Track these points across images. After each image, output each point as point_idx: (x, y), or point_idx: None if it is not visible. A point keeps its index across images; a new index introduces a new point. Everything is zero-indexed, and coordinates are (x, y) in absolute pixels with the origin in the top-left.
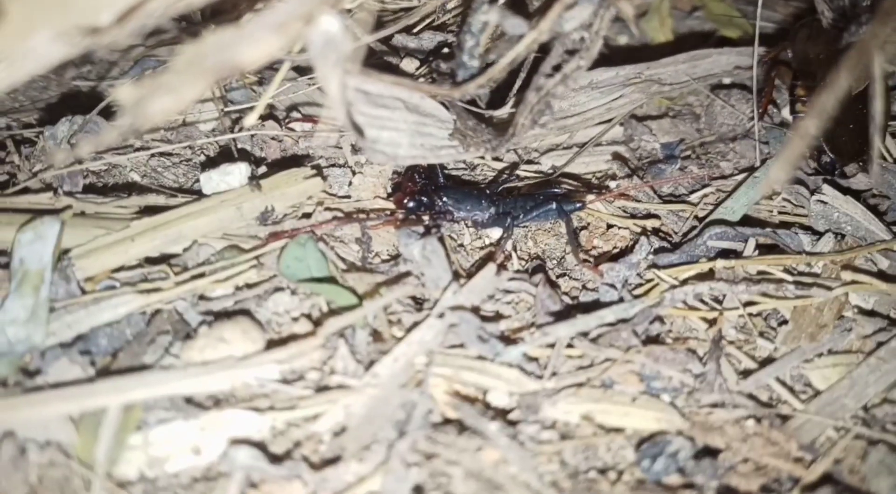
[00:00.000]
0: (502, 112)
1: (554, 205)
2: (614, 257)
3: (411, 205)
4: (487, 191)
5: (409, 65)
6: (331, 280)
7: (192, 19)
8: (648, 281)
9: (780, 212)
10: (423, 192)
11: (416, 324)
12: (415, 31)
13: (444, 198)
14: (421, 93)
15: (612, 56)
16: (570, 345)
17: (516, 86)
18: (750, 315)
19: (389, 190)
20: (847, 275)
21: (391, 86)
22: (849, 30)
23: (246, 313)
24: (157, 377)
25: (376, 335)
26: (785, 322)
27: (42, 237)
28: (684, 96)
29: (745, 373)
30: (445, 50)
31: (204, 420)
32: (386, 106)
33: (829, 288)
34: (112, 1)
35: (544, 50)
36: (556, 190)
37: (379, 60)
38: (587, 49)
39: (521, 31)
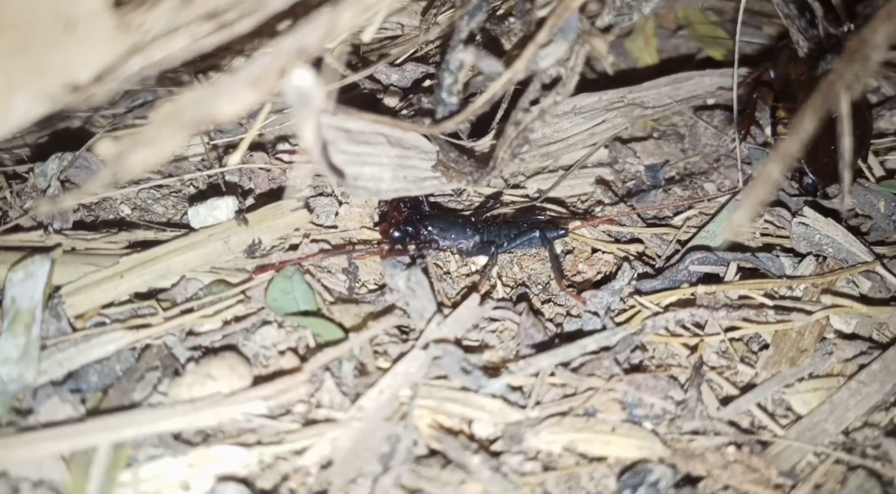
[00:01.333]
0: (483, 143)
1: (537, 233)
2: (598, 283)
3: (396, 234)
4: (472, 219)
5: (391, 99)
6: (317, 313)
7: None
8: (631, 307)
9: (762, 234)
10: (408, 222)
11: (401, 356)
12: (397, 62)
13: (429, 228)
14: (401, 129)
15: (596, 78)
16: (552, 374)
17: (498, 117)
18: (731, 340)
19: (376, 219)
20: (828, 299)
21: (372, 123)
22: (824, 58)
23: (233, 348)
24: (146, 415)
25: (362, 367)
26: (766, 346)
27: (33, 275)
28: (669, 117)
29: (727, 400)
30: (427, 82)
31: (192, 457)
32: (367, 142)
33: (810, 313)
34: (89, 61)
35: (525, 82)
36: (540, 216)
37: (362, 92)
38: (563, 85)
39: (495, 71)
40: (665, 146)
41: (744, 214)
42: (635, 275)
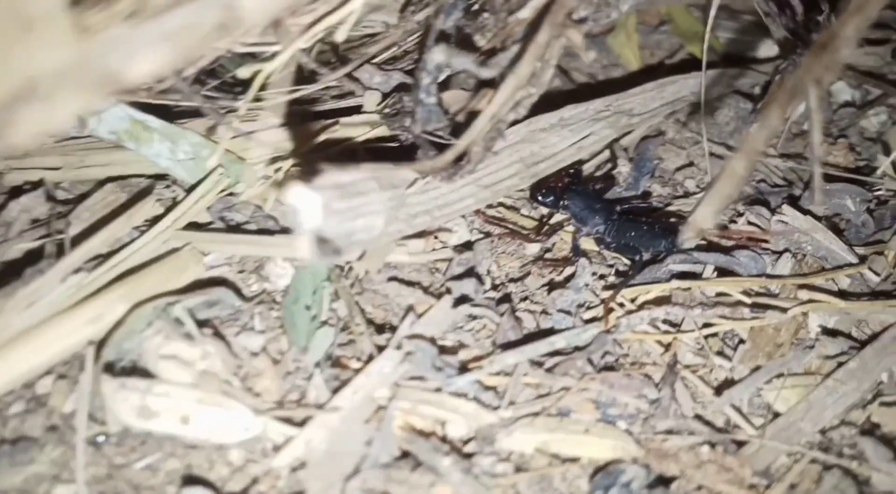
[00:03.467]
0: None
1: (663, 243)
2: (561, 283)
3: (539, 198)
4: (616, 209)
5: (371, 99)
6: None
7: None
8: (602, 302)
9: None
10: (556, 191)
11: (374, 355)
12: (384, 65)
13: (568, 205)
14: (394, 172)
15: (580, 85)
16: (526, 374)
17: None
18: (707, 337)
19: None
20: (804, 295)
21: (365, 172)
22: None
23: (224, 339)
24: None
25: (337, 365)
26: (742, 342)
27: None
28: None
29: (702, 398)
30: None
31: (202, 395)
32: (360, 192)
33: (785, 310)
34: (48, 60)
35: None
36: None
37: (341, 93)
38: (538, 77)
39: (468, 68)
40: (650, 144)
41: (706, 212)
42: (594, 272)
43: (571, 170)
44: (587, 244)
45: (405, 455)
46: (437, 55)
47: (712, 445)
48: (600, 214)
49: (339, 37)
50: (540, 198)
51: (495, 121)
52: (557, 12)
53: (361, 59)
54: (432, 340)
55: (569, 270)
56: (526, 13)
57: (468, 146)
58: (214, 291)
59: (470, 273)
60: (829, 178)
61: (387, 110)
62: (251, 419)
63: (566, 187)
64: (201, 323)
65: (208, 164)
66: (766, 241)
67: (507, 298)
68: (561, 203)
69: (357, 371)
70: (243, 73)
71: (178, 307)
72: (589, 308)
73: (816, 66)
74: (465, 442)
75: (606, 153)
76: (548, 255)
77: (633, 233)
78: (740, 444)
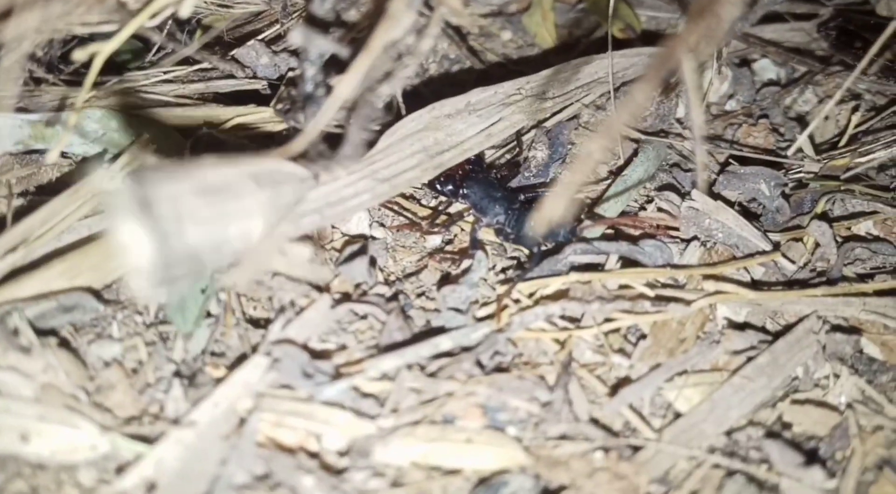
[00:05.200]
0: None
1: (562, 231)
2: (458, 277)
3: (437, 187)
4: (517, 198)
5: (258, 92)
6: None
7: None
8: (498, 298)
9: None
10: (459, 180)
11: (239, 362)
12: (271, 45)
13: (467, 193)
14: (276, 168)
15: (492, 66)
16: (409, 379)
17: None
18: (607, 333)
19: None
20: (710, 286)
21: (234, 168)
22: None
23: (75, 351)
24: None
25: (199, 374)
26: (644, 337)
27: None
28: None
29: (598, 399)
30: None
31: (44, 411)
32: (234, 195)
33: (689, 302)
34: None
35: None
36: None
37: (220, 75)
38: (415, 47)
39: (328, 51)
40: (563, 126)
41: (556, 198)
42: (493, 265)
43: (472, 157)
44: (487, 235)
45: (267, 474)
46: (295, 37)
47: (606, 450)
48: (501, 203)
49: (184, 12)
50: (438, 186)
51: (369, 97)
52: None
53: (209, 36)
54: (304, 344)
55: (467, 263)
56: None
57: (347, 134)
58: (70, 296)
59: (360, 268)
60: (743, 161)
61: (279, 106)
62: (97, 436)
63: (466, 174)
64: (48, 332)
65: (48, 158)
66: (675, 229)
67: (397, 295)
68: (460, 191)
69: (219, 380)
70: (79, 55)
71: (14, 315)
72: (484, 304)
73: (693, 33)
74: (342, 456)
75: (522, 138)
76: (448, 248)
77: (533, 223)
78: (637, 449)
